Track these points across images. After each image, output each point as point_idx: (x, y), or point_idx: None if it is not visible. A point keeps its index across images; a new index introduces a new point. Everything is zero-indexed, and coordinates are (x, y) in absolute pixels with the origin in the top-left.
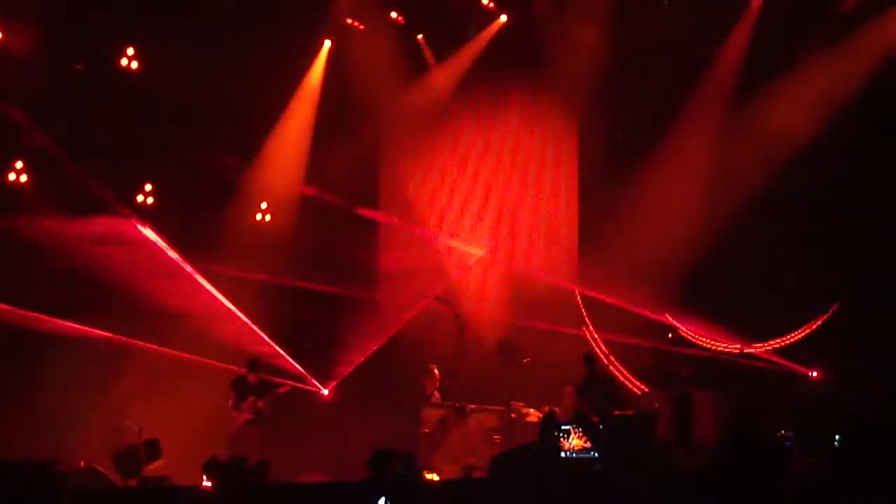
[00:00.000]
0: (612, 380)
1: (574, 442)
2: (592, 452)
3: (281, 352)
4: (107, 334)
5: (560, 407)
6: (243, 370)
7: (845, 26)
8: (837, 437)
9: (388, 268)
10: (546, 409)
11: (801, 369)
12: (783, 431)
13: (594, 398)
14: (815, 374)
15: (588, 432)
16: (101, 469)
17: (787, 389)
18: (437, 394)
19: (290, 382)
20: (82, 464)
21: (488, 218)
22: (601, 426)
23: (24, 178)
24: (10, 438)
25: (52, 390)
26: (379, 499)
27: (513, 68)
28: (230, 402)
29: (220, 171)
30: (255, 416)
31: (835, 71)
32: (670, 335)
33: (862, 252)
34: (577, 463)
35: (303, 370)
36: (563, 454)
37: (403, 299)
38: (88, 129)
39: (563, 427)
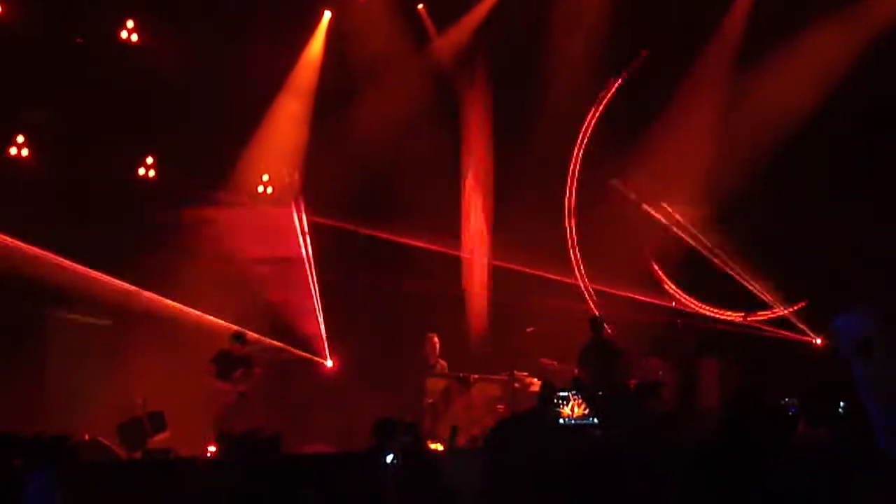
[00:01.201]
0: (616, 347)
1: (574, 409)
2: (591, 419)
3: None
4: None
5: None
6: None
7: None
8: (842, 404)
9: None
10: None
11: (805, 337)
12: (787, 399)
13: (595, 364)
14: (818, 341)
15: (586, 399)
16: (106, 442)
17: (792, 357)
18: (442, 362)
19: (292, 350)
20: (87, 437)
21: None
22: (600, 392)
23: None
24: (17, 413)
25: (58, 365)
26: (386, 455)
27: (514, 37)
28: (212, 376)
29: (221, 143)
30: (245, 390)
31: (839, 39)
32: (674, 304)
33: (865, 219)
34: (575, 429)
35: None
36: (561, 421)
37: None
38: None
39: (561, 394)
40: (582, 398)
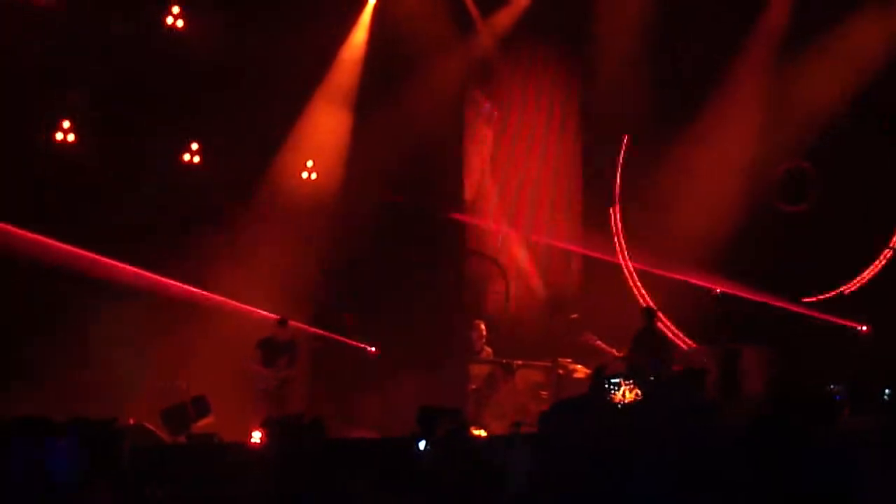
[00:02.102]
0: (666, 336)
1: (624, 394)
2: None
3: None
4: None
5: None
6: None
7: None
8: (887, 391)
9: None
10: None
11: (850, 323)
12: (832, 386)
13: (647, 351)
14: (864, 328)
15: (640, 384)
16: (150, 426)
17: (837, 344)
18: (487, 349)
19: (335, 336)
20: (131, 421)
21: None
22: (653, 378)
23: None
24: (60, 396)
25: (101, 348)
26: (420, 441)
27: (558, 29)
28: (256, 362)
29: (265, 129)
30: (286, 376)
31: (880, 32)
32: (716, 292)
33: None
34: (628, 410)
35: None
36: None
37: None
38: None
39: (613, 380)
40: (636, 383)
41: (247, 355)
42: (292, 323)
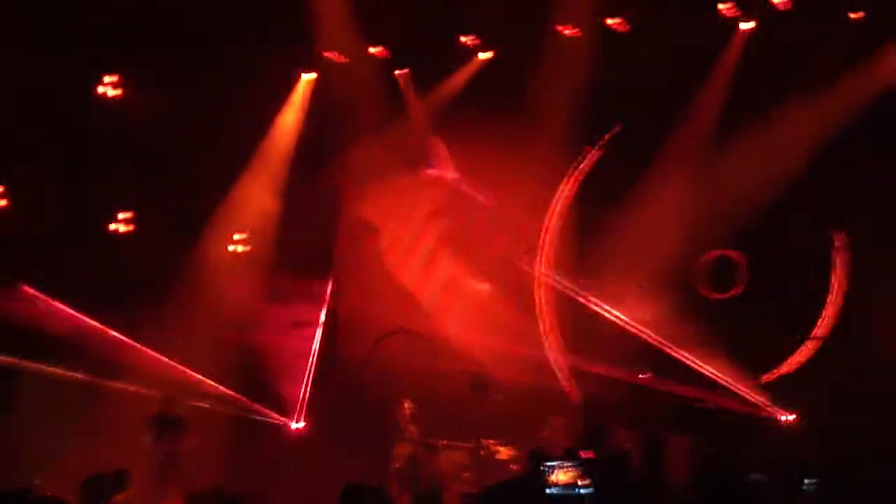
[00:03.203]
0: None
1: (559, 477)
2: (578, 489)
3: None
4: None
5: (544, 438)
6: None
7: (836, 67)
8: (807, 481)
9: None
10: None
11: (775, 413)
12: (754, 475)
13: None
14: (788, 417)
15: (582, 467)
16: (69, 499)
17: (761, 433)
18: (411, 428)
19: (260, 410)
20: (48, 494)
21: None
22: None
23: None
24: None
25: (24, 422)
26: None
27: (495, 106)
28: (148, 437)
29: (195, 201)
30: (178, 452)
31: (818, 113)
32: (645, 374)
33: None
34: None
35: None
36: (548, 490)
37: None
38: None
39: (548, 463)
40: (576, 467)
41: (142, 429)
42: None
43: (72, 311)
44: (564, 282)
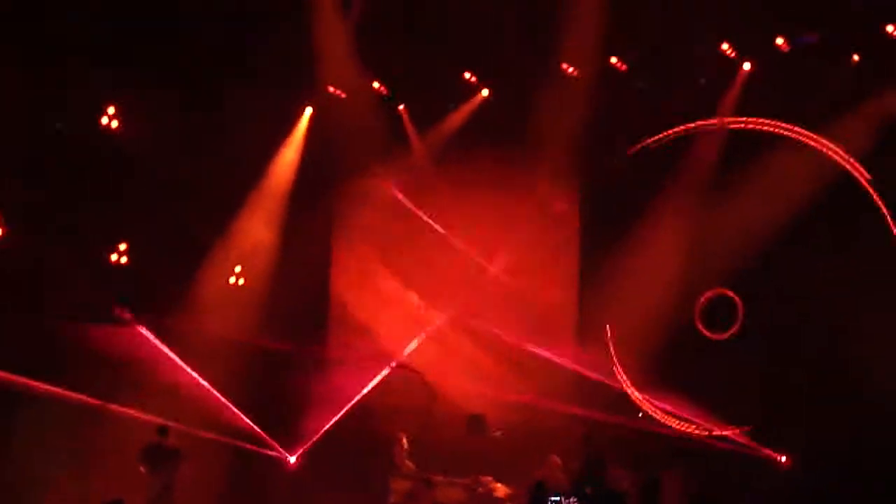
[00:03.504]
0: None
1: None
2: None
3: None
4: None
5: (540, 476)
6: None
7: (834, 107)
8: None
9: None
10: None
11: (769, 453)
12: None
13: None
14: (783, 458)
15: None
16: None
17: (756, 472)
18: (408, 463)
19: (252, 447)
20: None
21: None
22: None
23: None
24: None
25: (19, 453)
26: None
27: (494, 144)
28: (142, 468)
29: (196, 233)
30: (171, 482)
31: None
32: (640, 415)
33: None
34: None
35: (267, 436)
36: None
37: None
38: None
39: (553, 498)
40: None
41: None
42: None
43: None
44: None
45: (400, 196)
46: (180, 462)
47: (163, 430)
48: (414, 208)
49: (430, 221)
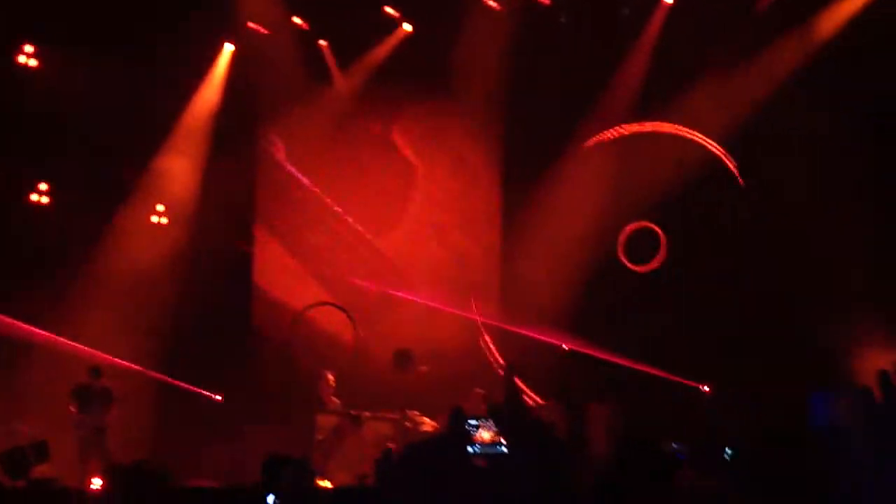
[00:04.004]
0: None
1: (483, 435)
2: (500, 447)
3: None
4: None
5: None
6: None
7: (753, 41)
8: (728, 451)
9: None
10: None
11: (692, 383)
12: (674, 444)
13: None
14: (706, 388)
15: (502, 425)
16: None
17: (680, 403)
18: (335, 399)
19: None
20: None
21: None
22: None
23: None
24: None
25: None
26: (268, 496)
27: (415, 81)
28: (72, 409)
29: (116, 172)
30: (102, 424)
31: (735, 89)
32: (564, 348)
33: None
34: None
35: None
36: (470, 448)
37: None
38: None
39: (472, 421)
40: (496, 425)
41: (65, 401)
42: (136, 367)
43: None
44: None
45: (290, 168)
46: (112, 404)
47: (95, 371)
48: (302, 177)
49: (318, 191)
